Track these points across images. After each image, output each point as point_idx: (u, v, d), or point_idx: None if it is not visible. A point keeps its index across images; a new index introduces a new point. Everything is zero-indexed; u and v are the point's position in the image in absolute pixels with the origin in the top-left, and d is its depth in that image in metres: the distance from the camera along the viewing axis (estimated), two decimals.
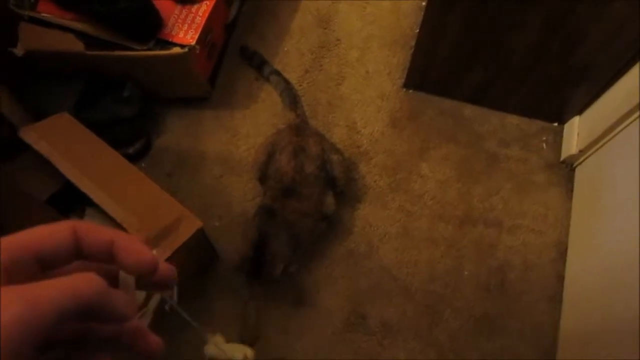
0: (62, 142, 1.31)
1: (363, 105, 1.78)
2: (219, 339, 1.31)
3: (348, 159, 1.64)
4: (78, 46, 1.45)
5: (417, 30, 1.62)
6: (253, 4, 1.92)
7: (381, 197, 1.66)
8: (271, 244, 1.34)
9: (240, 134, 1.74)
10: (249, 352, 1.30)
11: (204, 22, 1.51)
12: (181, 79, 1.63)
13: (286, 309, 1.53)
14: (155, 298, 1.23)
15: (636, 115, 1.38)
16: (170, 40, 1.48)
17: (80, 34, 1.46)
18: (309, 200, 1.43)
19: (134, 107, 1.61)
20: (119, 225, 1.23)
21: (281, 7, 1.93)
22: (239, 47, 1.84)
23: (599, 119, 1.53)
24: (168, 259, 1.23)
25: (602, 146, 1.52)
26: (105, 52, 1.47)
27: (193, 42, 1.48)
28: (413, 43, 1.70)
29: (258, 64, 1.79)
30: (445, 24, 1.49)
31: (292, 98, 1.66)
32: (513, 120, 1.76)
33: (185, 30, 1.49)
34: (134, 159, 1.66)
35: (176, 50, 1.47)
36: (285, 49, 1.87)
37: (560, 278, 1.56)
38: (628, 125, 1.41)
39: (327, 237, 1.60)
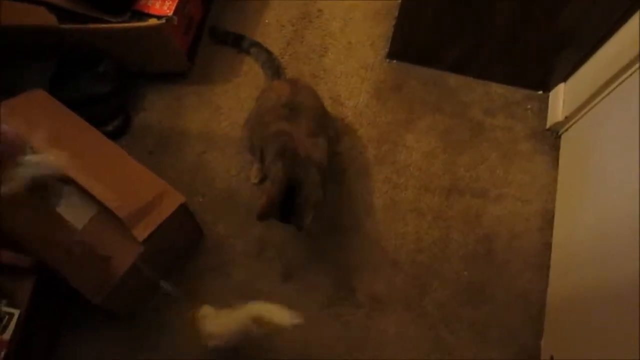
0: (37, 119, 1.26)
1: (347, 77, 1.75)
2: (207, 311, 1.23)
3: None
4: (50, 20, 1.41)
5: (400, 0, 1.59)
6: None
7: (367, 169, 1.64)
8: (302, 188, 1.26)
9: (222, 109, 1.71)
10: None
11: None
12: (159, 52, 1.58)
13: (274, 284, 1.51)
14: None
15: (619, 80, 1.37)
16: (146, 11, 1.44)
17: (52, 7, 1.41)
18: (314, 117, 1.39)
19: (111, 84, 1.56)
20: (99, 203, 1.20)
21: None
22: (209, 30, 1.79)
23: (584, 85, 1.52)
24: (152, 234, 1.21)
25: (587, 112, 1.51)
26: (79, 25, 1.42)
27: (170, 13, 1.43)
28: (396, 13, 1.67)
29: (234, 41, 1.75)
30: None
31: (275, 69, 1.63)
32: (498, 89, 1.75)
33: (162, 1, 1.45)
34: (113, 136, 1.61)
35: (153, 21, 1.43)
36: (266, 21, 1.83)
37: (547, 246, 1.56)
38: (613, 90, 1.40)
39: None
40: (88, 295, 1.19)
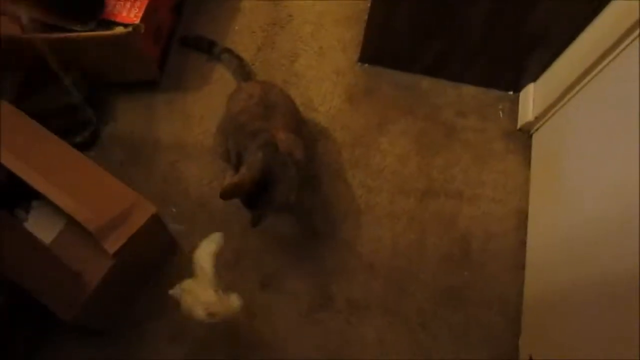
0: (2, 133, 1.23)
1: (318, 82, 1.75)
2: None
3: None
4: (14, 29, 1.37)
5: (370, 3, 1.59)
6: None
7: (341, 174, 1.63)
8: (275, 186, 1.23)
9: (194, 118, 1.69)
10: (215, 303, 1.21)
11: (148, 0, 1.44)
12: (127, 61, 1.56)
13: (252, 294, 1.49)
14: None
15: (587, 79, 1.39)
16: (113, 19, 1.42)
17: (15, 17, 1.38)
18: (288, 113, 1.40)
19: (79, 94, 1.53)
20: (68, 216, 1.17)
21: None
22: (180, 37, 1.78)
23: (553, 84, 1.54)
24: (123, 247, 1.18)
25: (557, 111, 1.53)
26: (44, 35, 1.39)
27: (137, 21, 1.41)
28: (367, 17, 1.67)
29: (206, 47, 1.73)
30: None
31: (246, 75, 1.61)
32: (469, 90, 1.76)
33: (129, 8, 1.43)
34: (81, 148, 1.57)
35: (120, 29, 1.40)
36: (236, 27, 1.81)
37: (522, 245, 1.57)
38: (581, 89, 1.42)
39: (289, 219, 1.57)
40: (59, 312, 1.16)
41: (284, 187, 1.25)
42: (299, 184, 1.31)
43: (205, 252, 1.25)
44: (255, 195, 1.22)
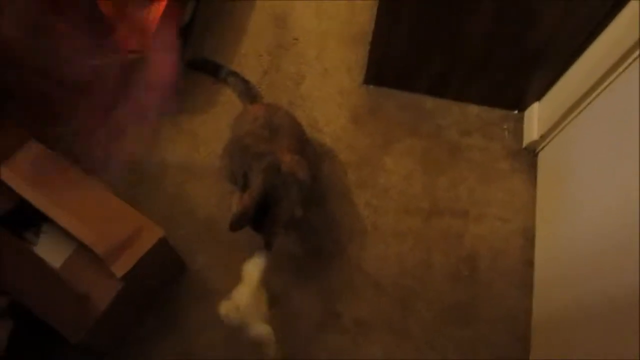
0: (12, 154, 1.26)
1: (324, 103, 1.77)
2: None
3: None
4: None
5: (374, 25, 1.61)
6: (208, 6, 1.88)
7: (347, 194, 1.65)
8: (278, 205, 1.26)
9: (201, 139, 1.71)
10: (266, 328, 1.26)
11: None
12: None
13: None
14: None
15: (591, 98, 1.40)
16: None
17: None
18: (293, 135, 1.42)
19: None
20: (77, 240, 1.19)
21: (237, 8, 1.90)
22: (187, 60, 1.79)
23: (558, 103, 1.55)
24: (131, 270, 1.20)
25: (562, 130, 1.53)
26: None
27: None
28: (370, 38, 1.69)
29: (213, 70, 1.76)
30: (399, 16, 1.48)
31: (252, 98, 1.63)
32: (473, 110, 1.77)
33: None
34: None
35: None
36: (243, 51, 1.84)
37: (529, 264, 1.57)
38: (585, 107, 1.42)
39: (295, 238, 1.59)
40: (66, 334, 1.17)
41: (287, 204, 1.28)
42: (303, 201, 1.34)
43: (254, 264, 1.28)
44: (261, 217, 1.25)
